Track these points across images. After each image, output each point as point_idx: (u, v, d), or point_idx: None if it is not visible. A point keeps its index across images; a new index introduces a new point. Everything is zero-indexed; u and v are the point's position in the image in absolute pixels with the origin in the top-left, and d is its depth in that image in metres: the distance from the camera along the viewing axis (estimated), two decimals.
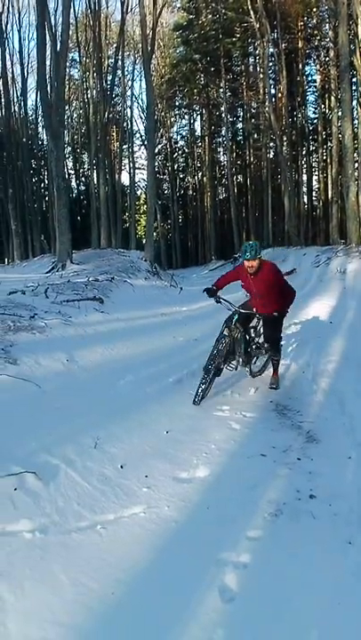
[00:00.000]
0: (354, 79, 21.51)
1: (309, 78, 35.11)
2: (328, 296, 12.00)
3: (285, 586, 2.64)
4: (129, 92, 37.25)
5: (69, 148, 43.55)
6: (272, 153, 33.85)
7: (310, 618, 2.44)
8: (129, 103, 37.44)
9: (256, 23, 26.06)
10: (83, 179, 47.30)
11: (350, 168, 16.78)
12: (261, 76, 30.52)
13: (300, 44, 31.03)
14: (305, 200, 37.83)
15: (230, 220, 36.71)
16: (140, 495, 3.50)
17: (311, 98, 35.80)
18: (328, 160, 31.95)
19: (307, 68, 34.29)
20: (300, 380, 6.38)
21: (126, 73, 35.36)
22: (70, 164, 45.22)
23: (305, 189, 37.79)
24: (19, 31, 42.49)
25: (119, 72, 32.57)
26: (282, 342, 6.30)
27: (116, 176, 35.02)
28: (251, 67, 36.38)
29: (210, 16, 35.15)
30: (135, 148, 40.76)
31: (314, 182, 39.07)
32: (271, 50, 28.39)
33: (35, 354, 6.09)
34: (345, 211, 18.12)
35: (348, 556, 2.86)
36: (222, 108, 36.94)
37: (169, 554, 2.89)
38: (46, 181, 41.24)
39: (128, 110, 37.45)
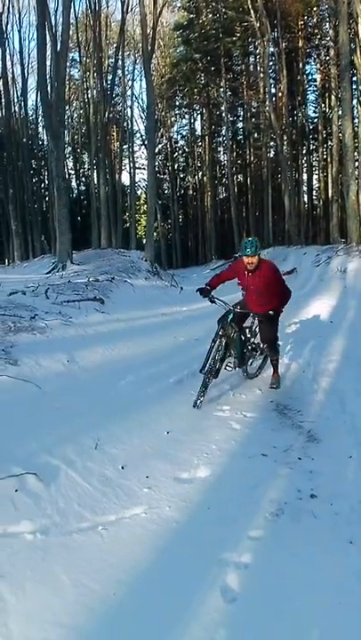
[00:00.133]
0: (354, 78, 21.52)
1: (310, 77, 35.12)
2: (329, 295, 11.99)
3: (287, 586, 2.64)
4: (129, 92, 37.28)
5: (70, 148, 43.53)
6: (272, 152, 33.83)
7: (312, 617, 2.44)
8: (129, 103, 37.48)
9: (256, 22, 26.05)
10: (83, 179, 47.28)
11: (351, 167, 16.77)
12: (262, 75, 30.51)
13: (300, 43, 31.00)
14: (305, 199, 37.82)
15: (231, 220, 36.66)
16: (140, 496, 3.50)
17: (311, 97, 35.81)
18: (328, 159, 31.93)
19: (307, 67, 34.30)
20: (301, 379, 6.38)
21: (126, 73, 35.39)
22: (70, 164, 45.24)
23: (305, 188, 37.78)
24: (19, 31, 42.60)
25: (119, 72, 32.59)
26: (279, 342, 6.25)
27: (117, 176, 35.02)
28: (251, 66, 36.36)
29: (210, 15, 35.15)
30: (135, 148, 40.81)
31: (314, 181, 39.09)
32: (271, 49, 28.37)
33: (35, 354, 6.09)
34: (345, 210, 18.11)
35: (350, 556, 2.86)
36: (223, 108, 36.90)
37: (170, 554, 2.89)
38: (46, 181, 41.23)
39: (128, 110, 37.50)
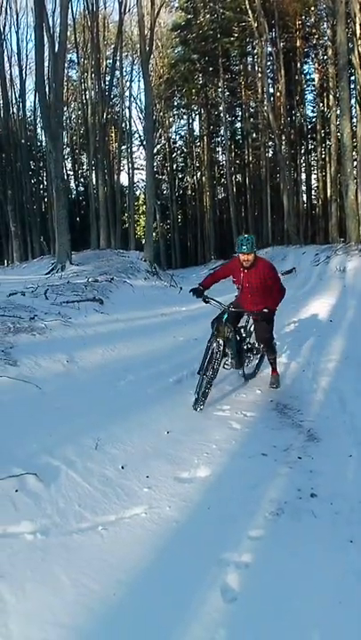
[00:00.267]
0: (352, 77, 21.47)
1: (308, 77, 35.22)
2: (328, 294, 12.01)
3: (287, 585, 2.63)
4: (127, 93, 37.37)
5: (68, 149, 43.51)
6: (271, 152, 33.87)
7: (312, 617, 2.43)
8: (127, 104, 37.56)
9: (254, 22, 26.09)
10: (82, 179, 47.30)
11: (349, 166, 16.78)
12: (260, 75, 30.54)
13: (298, 43, 31.06)
14: (304, 199, 37.88)
15: (229, 220, 36.71)
16: (141, 496, 3.50)
17: (310, 97, 35.88)
18: (327, 159, 31.98)
19: (305, 66, 34.40)
20: (301, 378, 6.38)
21: (124, 73, 35.52)
22: (69, 165, 45.29)
23: (304, 188, 37.84)
24: (17, 32, 42.44)
25: (117, 73, 32.62)
26: (275, 341, 6.22)
27: (115, 176, 35.08)
28: (249, 66, 36.42)
29: (208, 16, 35.16)
30: (134, 149, 40.87)
31: (313, 181, 39.22)
32: (269, 49, 28.44)
33: (35, 355, 6.08)
34: (344, 209, 18.12)
35: (350, 555, 2.86)
36: (221, 108, 36.93)
37: (170, 554, 2.88)
38: (45, 182, 41.26)
39: (126, 111, 37.58)
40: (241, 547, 2.94)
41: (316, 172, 38.57)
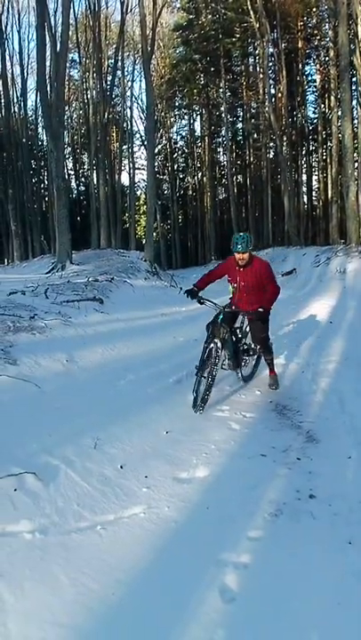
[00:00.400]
0: (354, 79, 21.51)
1: (309, 78, 35.22)
2: (328, 296, 12.02)
3: (286, 586, 2.63)
4: (129, 93, 37.32)
5: (69, 149, 43.54)
6: (272, 153, 33.88)
7: (311, 618, 2.43)
8: (129, 103, 37.52)
9: (256, 23, 26.08)
10: (82, 179, 47.31)
11: (350, 168, 16.78)
12: (261, 75, 30.54)
13: (299, 44, 31.06)
14: (305, 200, 37.90)
15: (230, 220, 36.70)
16: (139, 495, 3.50)
17: (311, 98, 35.90)
18: (328, 160, 31.97)
19: (306, 67, 34.41)
20: (300, 379, 6.38)
21: (126, 73, 35.44)
22: (70, 165, 45.27)
23: (305, 189, 37.85)
24: (18, 32, 43.02)
25: (119, 72, 32.61)
26: (271, 341, 6.20)
27: (116, 176, 35.04)
28: (251, 67, 36.40)
29: (210, 16, 35.14)
30: (135, 149, 40.85)
31: (314, 182, 39.18)
32: (271, 50, 28.42)
33: (35, 354, 6.08)
34: (345, 210, 18.13)
35: (349, 556, 2.86)
36: (222, 108, 36.93)
37: (169, 554, 2.89)
38: (46, 182, 41.30)
39: (128, 111, 37.52)
40: (240, 547, 2.94)
41: (317, 173, 38.58)
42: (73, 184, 46.63)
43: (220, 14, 33.41)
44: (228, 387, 6.07)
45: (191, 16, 35.98)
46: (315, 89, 34.44)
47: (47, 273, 17.85)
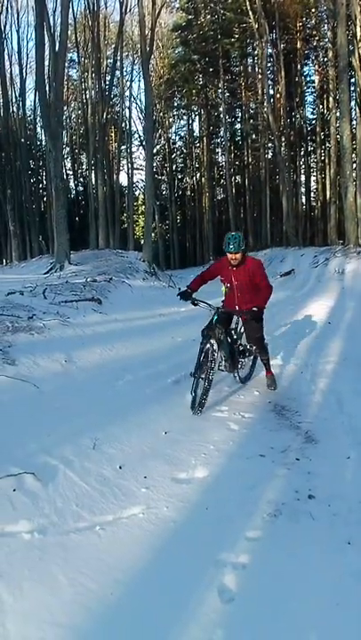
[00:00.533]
0: (352, 80, 21.50)
1: (308, 79, 35.33)
2: (326, 296, 12.02)
3: (284, 586, 2.63)
4: (127, 93, 37.41)
5: (68, 149, 43.50)
6: (270, 153, 33.91)
7: (309, 618, 2.43)
8: (127, 104, 37.60)
9: (255, 24, 26.12)
10: (81, 179, 47.33)
11: (348, 169, 16.79)
12: (260, 76, 30.56)
13: (298, 45, 31.13)
14: (303, 200, 37.95)
15: (228, 221, 36.73)
16: (138, 496, 3.50)
17: (310, 98, 35.98)
18: (326, 161, 32.07)
19: (305, 68, 34.50)
20: (299, 380, 6.38)
21: (125, 73, 35.55)
22: (69, 165, 45.28)
23: (303, 190, 37.90)
24: (17, 31, 42.97)
25: (118, 72, 32.64)
26: (266, 341, 6.19)
27: (115, 176, 35.09)
28: (249, 67, 36.49)
29: (208, 16, 35.22)
30: (133, 149, 40.90)
31: (312, 183, 39.29)
32: (270, 50, 28.48)
33: (33, 354, 6.08)
34: (343, 211, 18.14)
35: (348, 557, 2.86)
36: (221, 109, 36.97)
37: (168, 554, 2.89)
38: (44, 182, 41.27)
39: (126, 111, 37.62)
40: (238, 547, 2.94)
41: (315, 173, 38.67)
42: (71, 184, 46.66)
43: (219, 15, 33.48)
44: (227, 387, 6.08)
45: (190, 16, 36.06)
46: (313, 90, 34.52)
47: (45, 273, 17.84)
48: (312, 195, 39.96)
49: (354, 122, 19.62)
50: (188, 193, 47.15)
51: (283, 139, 29.70)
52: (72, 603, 2.48)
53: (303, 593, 2.58)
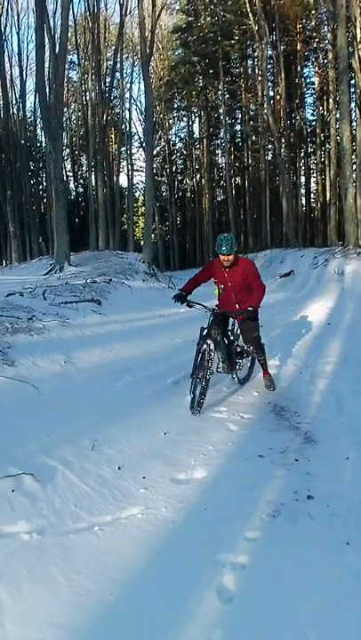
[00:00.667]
0: (352, 81, 21.53)
1: (308, 80, 35.42)
2: (326, 297, 12.03)
3: (283, 587, 2.63)
4: (127, 95, 37.40)
5: (68, 150, 43.56)
6: (270, 155, 33.98)
7: (308, 619, 2.43)
8: (127, 105, 37.58)
9: (255, 25, 26.17)
10: (81, 181, 47.37)
11: (348, 170, 16.80)
12: (260, 78, 30.62)
13: (298, 47, 31.20)
14: (303, 202, 38.04)
15: (228, 222, 36.78)
16: (137, 496, 3.49)
17: (309, 100, 36.08)
18: (326, 162, 32.09)
19: (305, 70, 34.60)
20: (298, 380, 6.38)
21: (125, 75, 35.54)
22: (69, 166, 45.35)
23: (303, 191, 37.97)
24: (17, 33, 42.82)
25: (118, 74, 32.63)
26: (263, 341, 6.16)
27: (115, 178, 35.14)
28: (249, 69, 36.56)
29: (208, 18, 35.29)
30: (133, 150, 40.93)
31: (312, 184, 39.39)
32: (270, 52, 28.52)
33: (32, 355, 6.08)
34: (343, 212, 18.15)
35: (346, 557, 2.86)
36: (221, 111, 37.04)
37: (167, 555, 2.88)
38: (44, 183, 41.31)
39: (126, 112, 37.59)
40: (237, 548, 2.93)
41: (315, 175, 38.73)
42: (71, 186, 46.73)
43: (219, 16, 33.55)
44: (226, 388, 6.08)
45: (190, 18, 36.14)
46: (313, 91, 34.60)
47: (45, 274, 17.85)
48: (312, 196, 40.05)
49: (354, 123, 19.64)
50: (188, 194, 47.22)
51: (283, 140, 29.75)
52: (71, 603, 2.48)
53: (302, 593, 2.58)
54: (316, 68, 32.87)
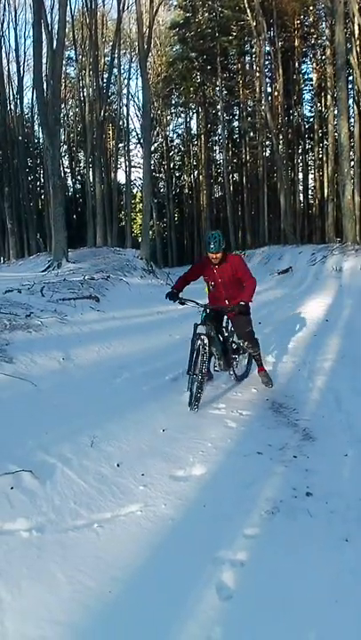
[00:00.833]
0: (350, 78, 21.56)
1: (305, 77, 35.41)
2: (324, 294, 12.02)
3: (283, 583, 2.63)
4: (125, 91, 37.27)
5: (65, 147, 43.45)
6: (268, 151, 33.96)
7: (308, 615, 2.43)
8: (125, 101, 37.46)
9: (252, 21, 26.10)
10: (79, 177, 47.23)
11: (346, 166, 16.81)
12: (258, 74, 30.56)
13: (296, 43, 31.14)
14: (301, 198, 38.04)
15: (226, 219, 36.74)
16: (136, 493, 3.50)
17: (307, 96, 36.11)
18: (324, 158, 32.10)
19: (303, 66, 34.57)
20: (296, 377, 6.38)
21: (122, 71, 35.40)
22: (66, 163, 45.15)
23: (301, 188, 37.98)
24: (15, 29, 42.78)
25: (115, 70, 32.49)
26: (256, 335, 6.14)
27: (112, 174, 35.11)
28: (247, 65, 36.47)
29: (206, 14, 35.20)
30: (131, 147, 40.76)
31: (310, 180, 39.36)
32: (267, 48, 28.49)
33: (31, 352, 6.07)
34: (341, 209, 18.16)
35: (345, 554, 2.86)
36: (218, 107, 36.98)
37: (166, 552, 2.89)
38: (42, 180, 41.12)
39: (124, 108, 37.46)
40: (236, 545, 2.94)
41: (313, 171, 38.73)
42: (69, 182, 46.62)
43: (217, 12, 33.48)
44: (224, 384, 6.08)
45: (188, 14, 36.01)
46: (311, 87, 34.62)
47: (43, 271, 17.81)
48: (310, 192, 40.02)
49: (352, 120, 19.68)
50: (186, 191, 47.15)
51: (280, 136, 29.71)
52: (70, 600, 2.48)
53: (301, 590, 2.58)
54: (314, 64, 32.87)
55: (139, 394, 5.65)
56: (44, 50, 20.86)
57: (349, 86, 19.71)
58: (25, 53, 36.15)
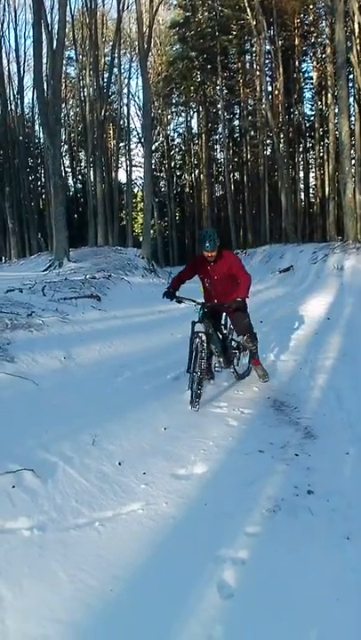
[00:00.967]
0: (350, 76, 21.51)
1: (306, 75, 35.34)
2: (326, 293, 12.03)
3: (284, 582, 2.63)
4: (125, 90, 37.23)
5: (66, 146, 43.43)
6: (269, 150, 33.90)
7: (309, 614, 2.43)
8: (125, 101, 37.42)
9: (253, 20, 26.08)
10: (79, 176, 47.19)
11: (347, 165, 16.78)
12: (258, 73, 30.50)
13: (296, 41, 31.10)
14: (302, 197, 37.96)
15: (227, 218, 36.71)
16: (138, 492, 3.50)
17: (308, 95, 36.05)
18: (325, 157, 32.05)
19: (303, 65, 34.52)
20: (298, 376, 6.38)
21: (123, 70, 35.35)
22: (67, 162, 45.14)
23: (302, 186, 37.92)
24: (15, 29, 42.83)
25: (115, 70, 32.49)
26: (254, 330, 6.14)
27: (113, 174, 35.09)
28: (247, 64, 36.41)
29: (206, 13, 35.17)
30: (132, 146, 40.79)
31: (311, 179, 39.32)
32: (268, 47, 28.44)
33: (32, 351, 6.08)
34: (342, 207, 18.12)
35: (347, 552, 2.86)
36: (219, 106, 36.93)
37: (167, 550, 2.89)
38: (43, 179, 41.11)
39: (125, 108, 37.44)
40: (238, 543, 2.94)
41: (314, 170, 38.68)
42: (70, 181, 46.57)
43: (217, 11, 33.45)
44: (225, 383, 6.08)
45: (188, 13, 35.96)
46: (311, 86, 34.55)
47: (44, 270, 17.82)
48: (311, 191, 39.97)
49: (352, 118, 19.64)
50: (187, 190, 47.07)
51: (281, 135, 29.66)
52: (72, 599, 2.49)
53: (303, 588, 2.58)
54: (315, 62, 32.82)
55: (140, 393, 5.65)
56: (45, 50, 20.86)
57: (350, 84, 19.68)
58: (25, 53, 36.15)
